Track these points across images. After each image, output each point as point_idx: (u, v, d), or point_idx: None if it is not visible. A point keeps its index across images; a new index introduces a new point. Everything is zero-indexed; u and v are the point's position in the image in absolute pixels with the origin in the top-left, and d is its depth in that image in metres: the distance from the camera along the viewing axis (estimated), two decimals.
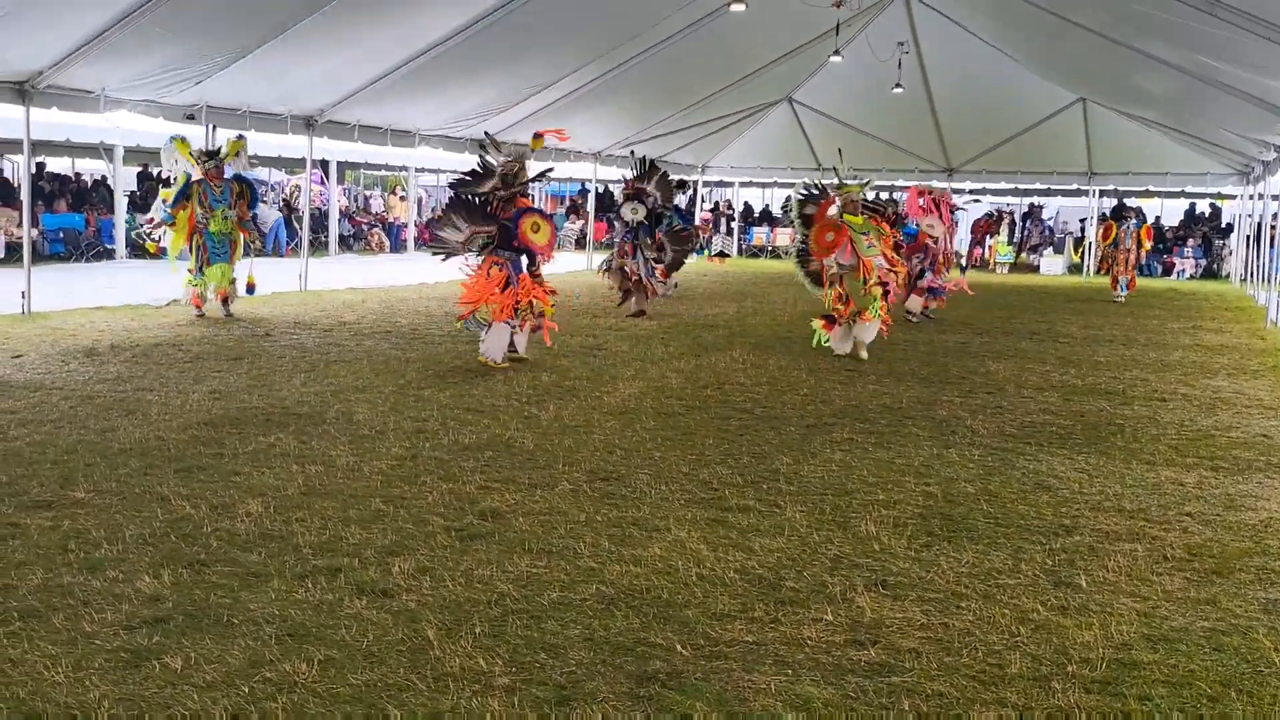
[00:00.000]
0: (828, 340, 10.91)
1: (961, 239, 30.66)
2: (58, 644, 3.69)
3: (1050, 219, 33.65)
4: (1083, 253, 27.78)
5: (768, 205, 35.59)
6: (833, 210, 10.77)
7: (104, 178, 25.36)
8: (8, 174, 25.21)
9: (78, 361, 9.23)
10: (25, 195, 13.50)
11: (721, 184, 32.63)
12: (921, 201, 14.51)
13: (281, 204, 26.91)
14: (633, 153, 15.94)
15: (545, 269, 10.45)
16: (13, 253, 19.04)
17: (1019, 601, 4.36)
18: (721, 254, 19.72)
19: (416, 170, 30.24)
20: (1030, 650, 3.90)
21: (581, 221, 29.54)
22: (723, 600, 4.28)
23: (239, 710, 3.30)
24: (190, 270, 12.62)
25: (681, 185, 18.41)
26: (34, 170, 23.29)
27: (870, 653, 3.85)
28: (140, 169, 26.92)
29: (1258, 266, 21.07)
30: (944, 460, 6.70)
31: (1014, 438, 7.42)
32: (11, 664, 3.55)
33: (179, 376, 8.68)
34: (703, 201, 19.44)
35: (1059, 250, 29.61)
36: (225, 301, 12.76)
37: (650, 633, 3.96)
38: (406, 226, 29.22)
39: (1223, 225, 29.64)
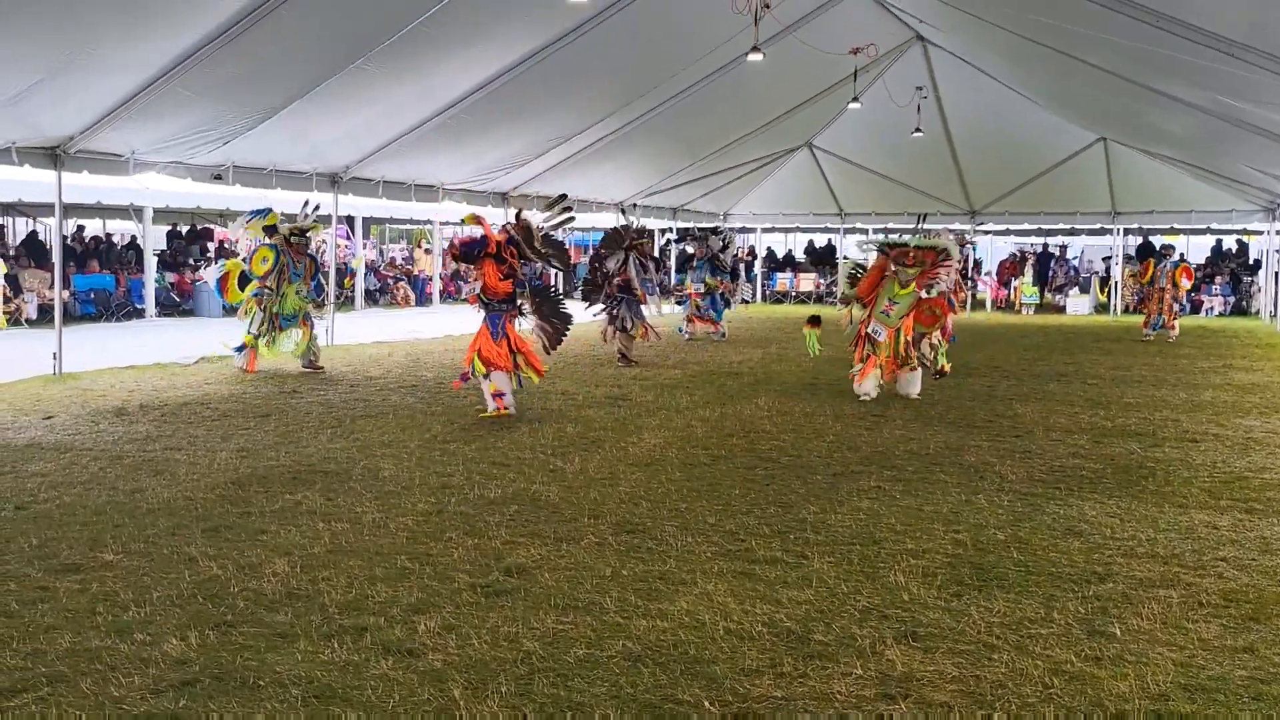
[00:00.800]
0: (819, 349, 11.33)
1: (987, 280, 30.70)
2: (86, 709, 3.70)
3: (1075, 259, 33.54)
4: (1109, 292, 27.62)
5: (790, 251, 35.65)
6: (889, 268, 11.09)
7: (134, 238, 25.77)
8: (41, 236, 25.62)
9: (107, 421, 9.32)
10: (57, 257, 13.69)
11: (744, 230, 32.71)
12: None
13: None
14: (623, 210, 16.21)
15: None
16: (45, 314, 19.32)
17: (1052, 652, 4.30)
18: (743, 300, 19.97)
19: (441, 224, 30.53)
20: (1064, 702, 3.84)
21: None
22: (751, 655, 4.24)
23: None
24: (251, 334, 12.84)
25: (699, 234, 18.68)
26: (73, 233, 23.75)
27: (901, 706, 3.80)
28: (169, 228, 27.34)
29: None
30: (973, 507, 6.64)
31: (1043, 482, 7.34)
32: None
33: (207, 435, 8.75)
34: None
35: (1085, 290, 29.45)
36: (314, 360, 13.08)
37: (678, 689, 3.92)
38: (431, 280, 29.47)
39: (1250, 261, 29.42)
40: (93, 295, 21.24)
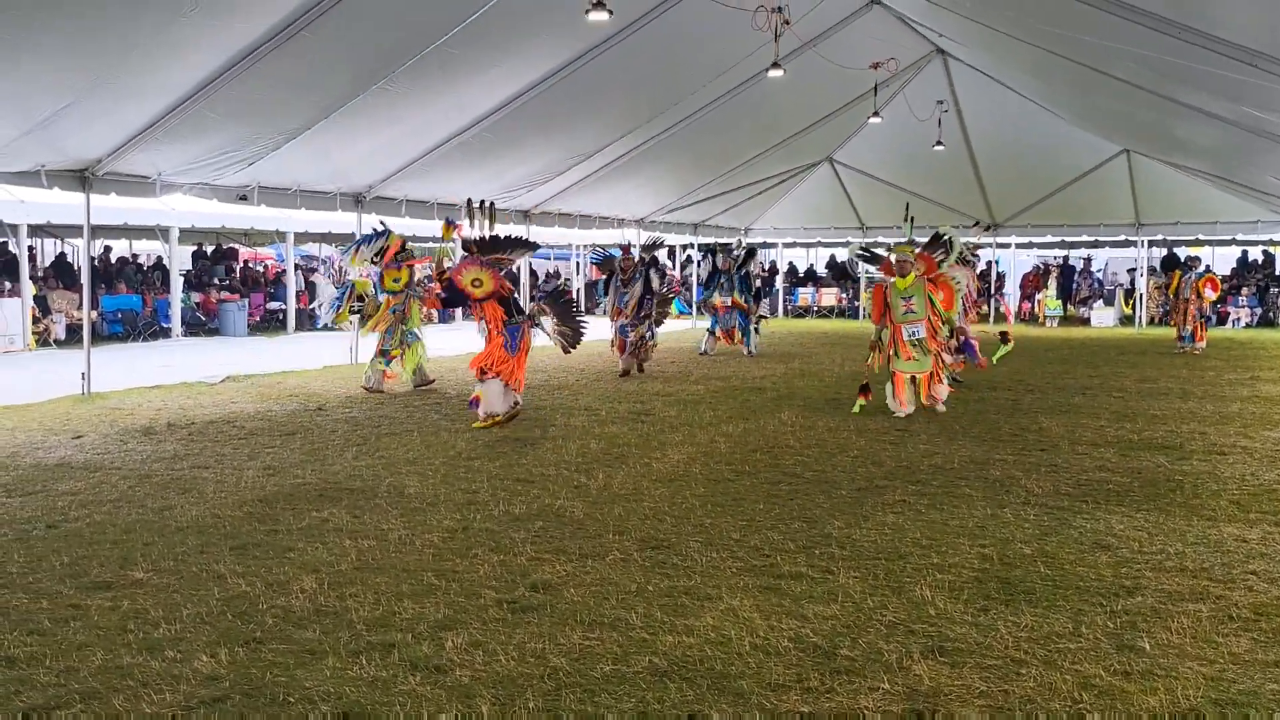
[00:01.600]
0: (860, 408, 11.05)
1: (1010, 293, 30.59)
2: None
3: (1099, 271, 33.36)
4: (1134, 304, 27.46)
5: (812, 265, 35.64)
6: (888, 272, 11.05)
7: (160, 259, 26.01)
8: (69, 258, 25.91)
9: (136, 440, 9.41)
10: (85, 278, 13.84)
11: (766, 245, 32.73)
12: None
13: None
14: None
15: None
16: (73, 335, 19.52)
17: (1081, 667, 4.27)
18: (761, 316, 20.01)
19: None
20: (1094, 717, 3.81)
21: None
22: (777, 670, 4.24)
23: None
24: (380, 354, 13.04)
25: (725, 250, 18.75)
26: (100, 254, 24.01)
27: None
28: (195, 249, 27.60)
29: None
30: (999, 521, 6.61)
31: (1070, 496, 7.31)
32: None
33: (233, 453, 8.81)
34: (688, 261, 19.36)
35: (1109, 302, 29.29)
36: (426, 376, 13.33)
37: (705, 705, 3.92)
38: None
39: (1277, 273, 29.19)
40: (120, 315, 21.46)
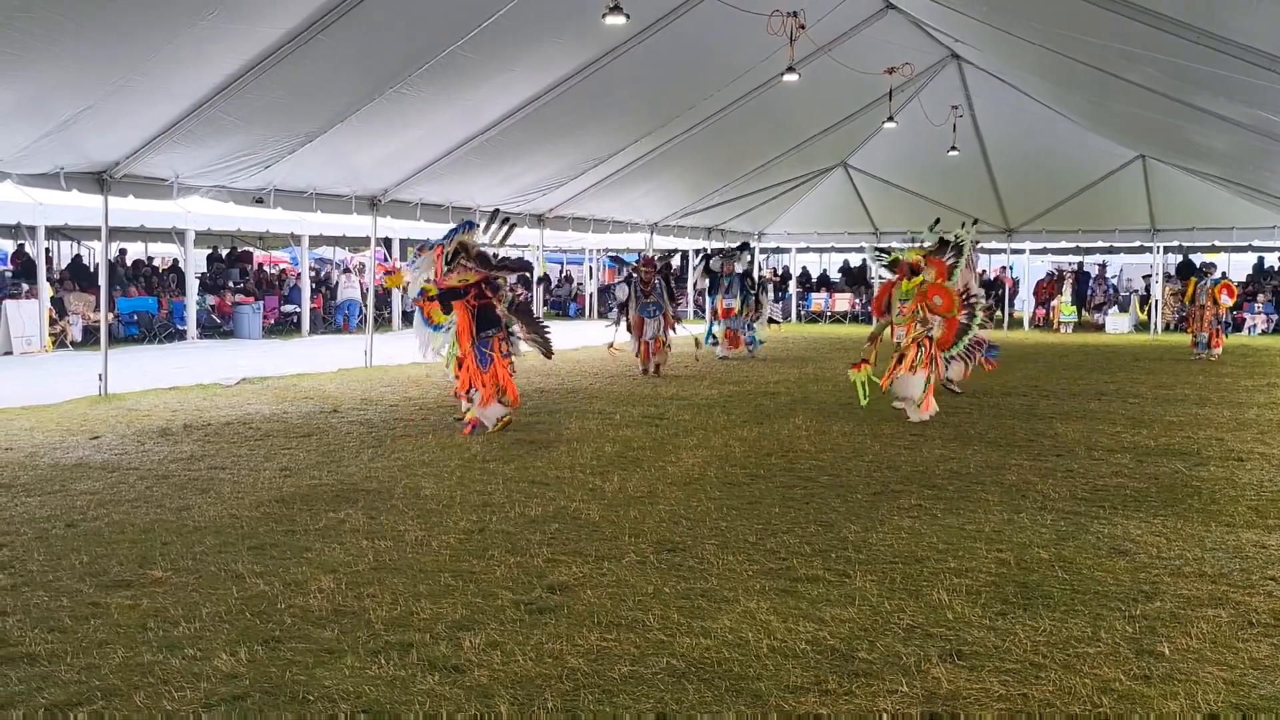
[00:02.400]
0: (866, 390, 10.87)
1: (1024, 299, 30.51)
2: None
3: (1114, 277, 33.26)
4: (1149, 310, 27.36)
5: (825, 270, 35.61)
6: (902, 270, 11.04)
7: (176, 261, 26.13)
8: (85, 260, 26.05)
9: (153, 441, 9.45)
10: (103, 280, 13.92)
11: (779, 250, 32.73)
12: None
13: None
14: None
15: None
16: (89, 336, 19.63)
17: (1100, 671, 4.26)
18: (772, 320, 20.08)
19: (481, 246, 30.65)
20: None
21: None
22: (795, 672, 4.24)
23: None
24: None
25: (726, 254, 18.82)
26: (115, 256, 24.13)
27: None
28: (210, 251, 27.71)
29: None
30: (1016, 526, 6.59)
31: (1087, 501, 7.28)
32: None
33: (250, 454, 8.85)
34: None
35: (1124, 308, 29.20)
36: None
37: (723, 706, 3.93)
38: None
39: None
40: (136, 318, 21.56)
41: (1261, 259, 30.31)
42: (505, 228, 10.83)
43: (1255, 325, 26.84)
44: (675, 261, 25.41)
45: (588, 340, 16.62)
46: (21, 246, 22.58)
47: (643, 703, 3.95)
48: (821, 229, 28.54)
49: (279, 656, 4.37)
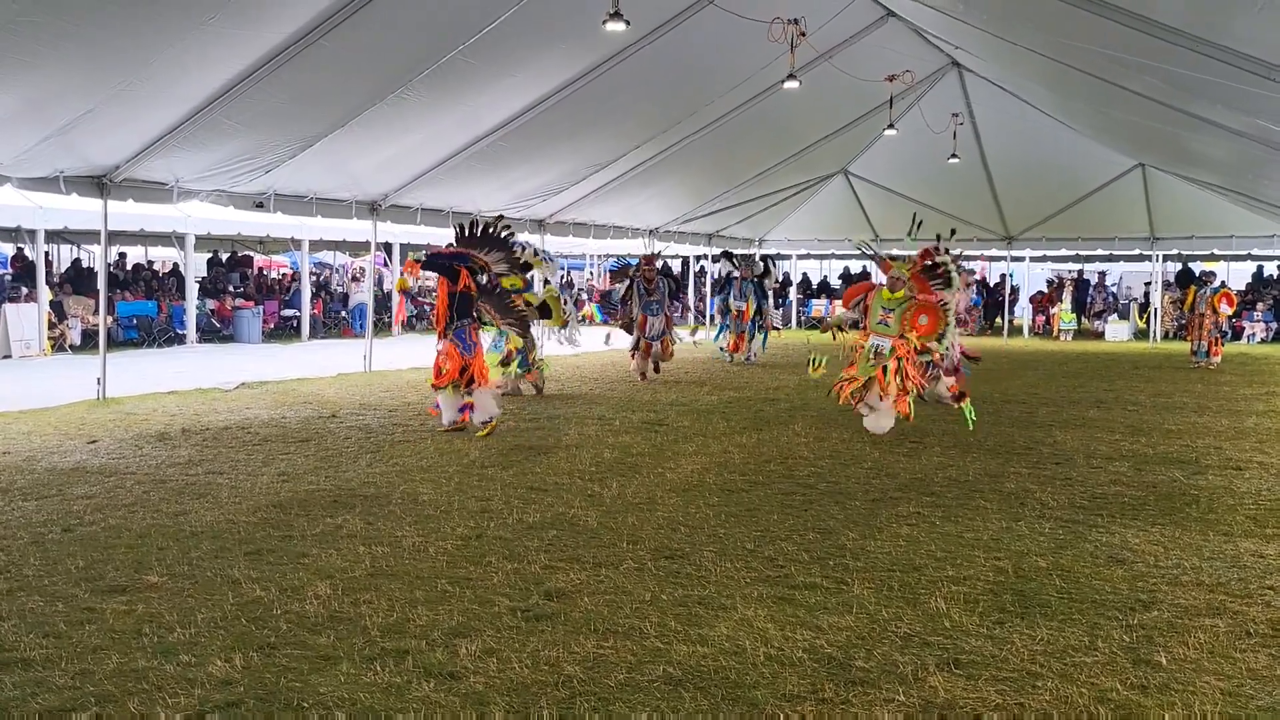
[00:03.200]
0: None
1: (1023, 307, 30.53)
2: None
3: (1114, 285, 33.27)
4: (1148, 319, 27.36)
5: (825, 277, 35.61)
6: (884, 276, 10.73)
7: (175, 265, 26.14)
8: (85, 264, 26.04)
9: (151, 446, 9.44)
10: (102, 284, 13.92)
11: (780, 256, 32.74)
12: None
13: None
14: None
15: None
16: (88, 340, 19.62)
17: (1097, 680, 4.25)
18: (772, 327, 20.15)
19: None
20: None
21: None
22: (792, 681, 4.23)
23: None
24: (505, 362, 13.31)
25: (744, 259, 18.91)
26: (115, 260, 24.15)
27: None
28: (210, 255, 27.72)
29: None
30: (1014, 534, 6.58)
31: (1085, 509, 7.27)
32: None
33: (248, 459, 8.84)
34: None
35: (1124, 316, 29.21)
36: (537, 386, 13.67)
37: (719, 715, 3.92)
38: None
39: None
40: (135, 321, 21.55)
41: (1260, 268, 30.31)
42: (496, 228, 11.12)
43: (1254, 334, 26.84)
44: (676, 266, 25.68)
45: (588, 346, 16.64)
46: (21, 250, 22.58)
47: (639, 711, 3.94)
48: (822, 236, 28.56)
49: (274, 663, 4.36)
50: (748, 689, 4.14)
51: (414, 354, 19.04)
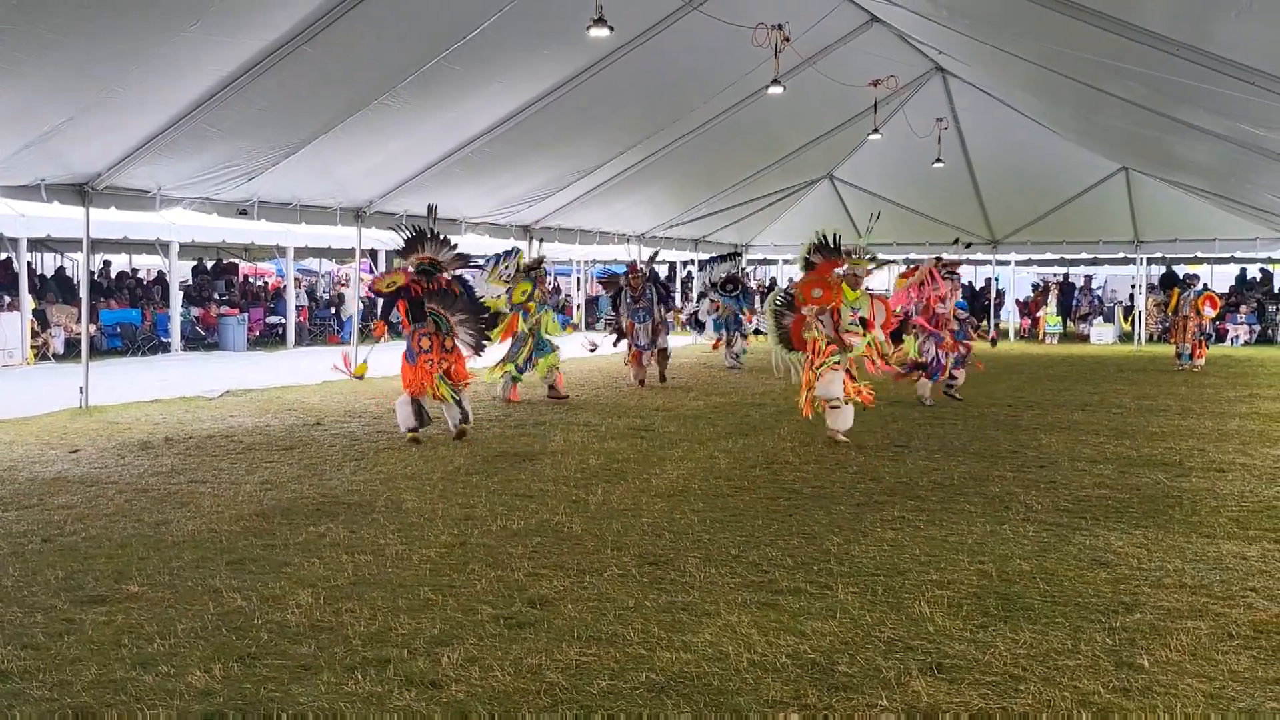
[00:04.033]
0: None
1: (1009, 310, 30.62)
2: None
3: (1099, 288, 33.40)
4: (1133, 321, 27.48)
5: None
6: (837, 272, 10.63)
7: (160, 273, 26.05)
8: (68, 272, 25.93)
9: (133, 455, 9.39)
10: (84, 292, 13.85)
11: (765, 261, 32.80)
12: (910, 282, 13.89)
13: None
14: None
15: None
16: (72, 349, 19.52)
17: (1079, 683, 4.25)
18: (757, 331, 20.00)
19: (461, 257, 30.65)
20: None
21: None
22: (775, 687, 4.22)
23: None
24: (508, 361, 13.49)
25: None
26: (99, 268, 24.05)
27: None
28: (194, 263, 27.63)
29: None
30: (998, 537, 6.59)
31: (1069, 512, 7.29)
32: None
33: (231, 467, 8.80)
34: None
35: (1109, 319, 29.33)
36: (553, 387, 13.70)
37: None
38: None
39: (1275, 290, 29.22)
40: (119, 330, 21.45)
41: (1244, 270, 30.47)
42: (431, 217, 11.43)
43: (1238, 336, 26.97)
44: (663, 271, 25.79)
45: (574, 351, 16.61)
46: (10, 260, 22.47)
47: (621, 718, 3.92)
48: (808, 240, 28.56)
49: (254, 673, 4.33)
50: (731, 695, 4.13)
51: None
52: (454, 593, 5.39)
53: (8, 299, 19.98)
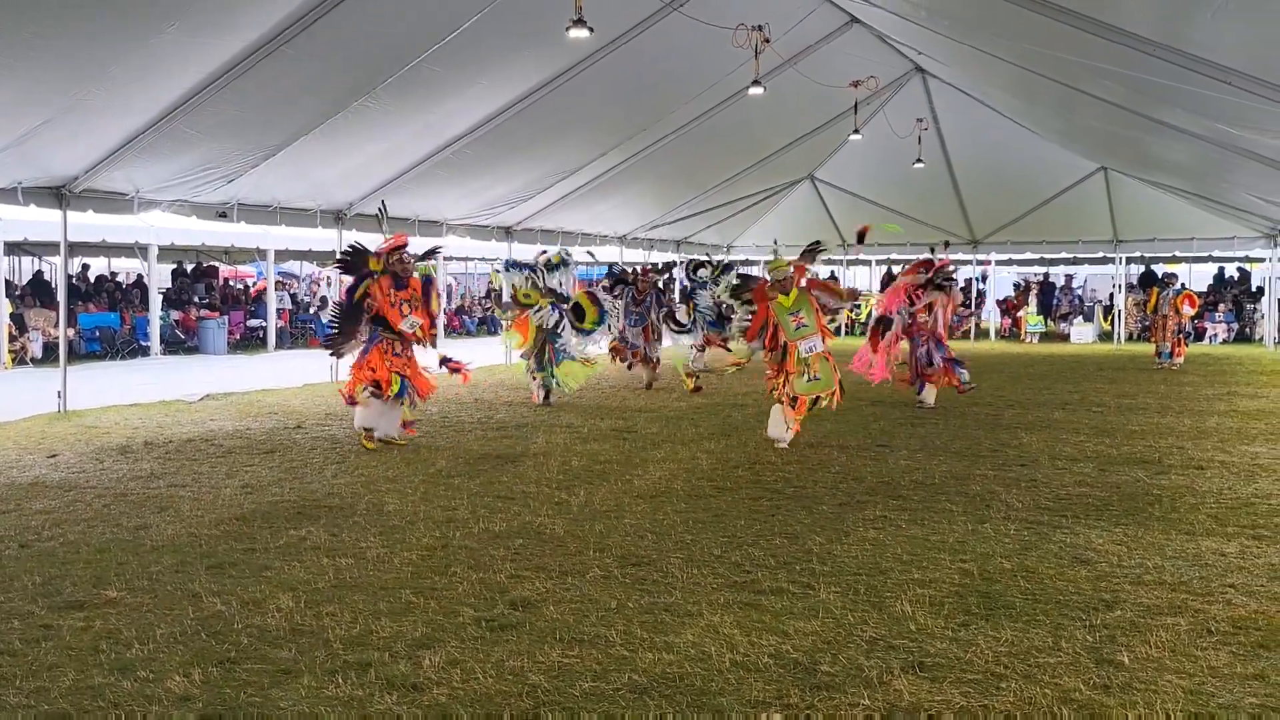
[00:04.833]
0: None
1: (990, 310, 30.75)
2: None
3: (1079, 287, 33.57)
4: (1112, 321, 27.63)
5: None
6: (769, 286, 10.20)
7: (139, 276, 25.89)
8: (46, 276, 25.75)
9: (112, 459, 9.32)
10: (62, 296, 13.75)
11: (747, 262, 32.82)
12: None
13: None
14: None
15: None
16: (50, 353, 19.38)
17: (1060, 681, 4.26)
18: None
19: (445, 259, 30.62)
20: None
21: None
22: (757, 687, 4.22)
23: None
24: (531, 371, 13.36)
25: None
26: (78, 272, 23.88)
27: None
28: (174, 266, 27.46)
29: None
30: (979, 536, 6.61)
31: (1050, 511, 7.32)
32: None
33: (211, 471, 8.74)
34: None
35: (1089, 318, 29.49)
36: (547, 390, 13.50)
37: None
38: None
39: (1253, 289, 29.44)
40: (98, 333, 21.31)
41: (1222, 269, 30.70)
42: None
43: (1216, 334, 27.18)
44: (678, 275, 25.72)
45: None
46: None
47: None
48: (789, 242, 28.53)
49: (234, 677, 4.30)
50: (713, 696, 4.13)
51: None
52: (435, 595, 5.37)
53: None
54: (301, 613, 5.08)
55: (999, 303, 30.80)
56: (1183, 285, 21.43)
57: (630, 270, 16.35)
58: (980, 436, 10.69)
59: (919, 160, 21.54)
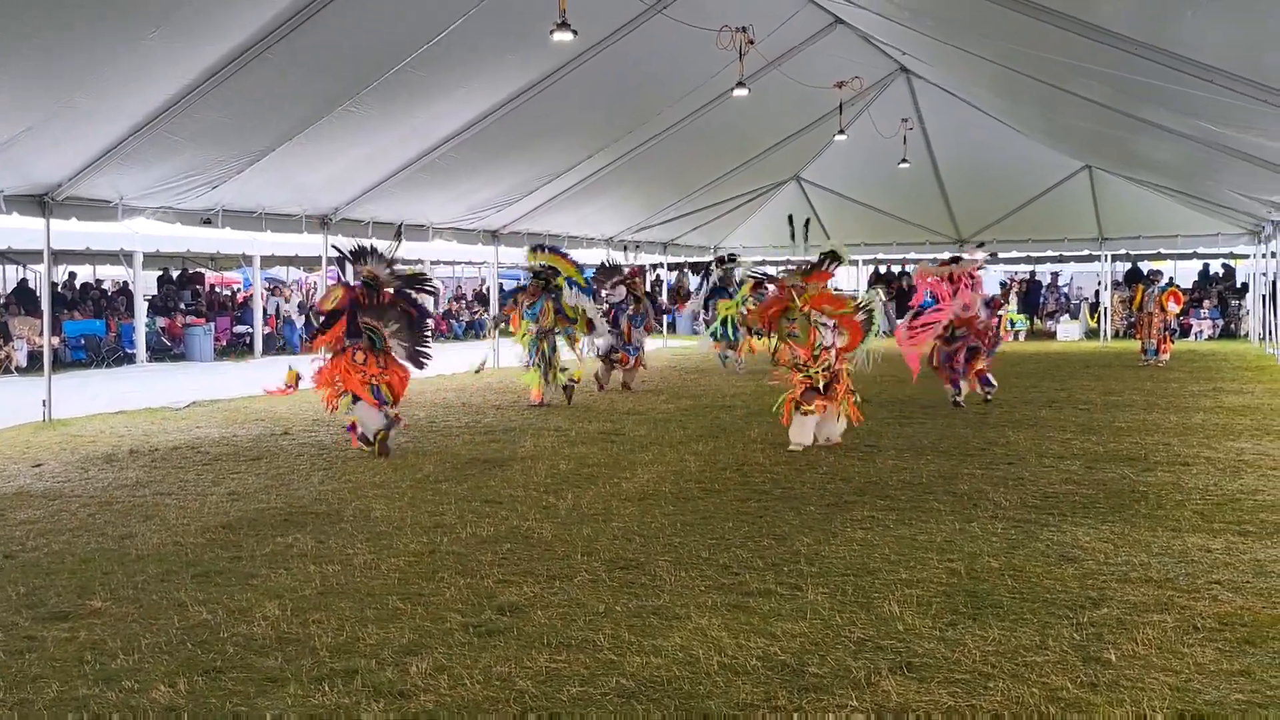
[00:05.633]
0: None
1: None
2: None
3: (1065, 285, 33.68)
4: (1098, 318, 27.73)
5: None
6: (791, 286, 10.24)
7: (124, 283, 25.79)
8: (31, 284, 25.63)
9: (97, 468, 9.28)
10: (46, 304, 13.68)
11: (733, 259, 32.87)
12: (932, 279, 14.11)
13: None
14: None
15: None
16: (35, 361, 19.28)
17: (1048, 679, 4.27)
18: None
19: (432, 263, 30.60)
20: None
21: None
22: (745, 689, 4.21)
23: None
24: (531, 367, 13.44)
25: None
26: (64, 280, 23.77)
27: None
28: (160, 273, 27.36)
29: (1275, 325, 20.99)
30: (967, 535, 6.62)
31: (1037, 509, 7.33)
32: None
33: (197, 479, 8.71)
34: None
35: (1074, 316, 29.58)
36: (566, 390, 13.64)
37: None
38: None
39: (1238, 285, 29.58)
40: (83, 341, 21.21)
41: (1206, 266, 30.83)
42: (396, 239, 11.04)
43: (1201, 331, 27.28)
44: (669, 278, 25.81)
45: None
46: None
47: None
48: (776, 242, 28.63)
49: (220, 687, 4.28)
50: (701, 699, 4.12)
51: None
52: (423, 601, 5.35)
53: None
54: (288, 621, 5.06)
55: (985, 302, 30.82)
56: (1168, 282, 21.51)
57: (626, 268, 16.36)
58: (967, 435, 10.71)
59: (904, 160, 21.59)
